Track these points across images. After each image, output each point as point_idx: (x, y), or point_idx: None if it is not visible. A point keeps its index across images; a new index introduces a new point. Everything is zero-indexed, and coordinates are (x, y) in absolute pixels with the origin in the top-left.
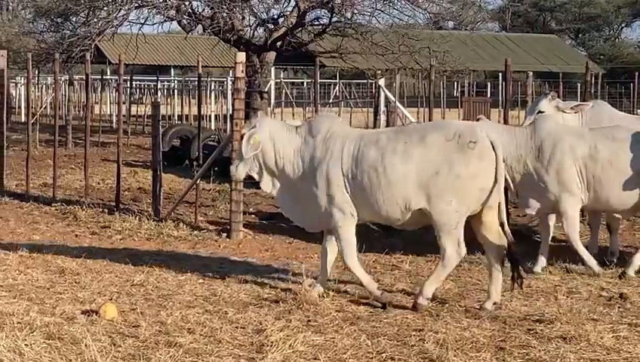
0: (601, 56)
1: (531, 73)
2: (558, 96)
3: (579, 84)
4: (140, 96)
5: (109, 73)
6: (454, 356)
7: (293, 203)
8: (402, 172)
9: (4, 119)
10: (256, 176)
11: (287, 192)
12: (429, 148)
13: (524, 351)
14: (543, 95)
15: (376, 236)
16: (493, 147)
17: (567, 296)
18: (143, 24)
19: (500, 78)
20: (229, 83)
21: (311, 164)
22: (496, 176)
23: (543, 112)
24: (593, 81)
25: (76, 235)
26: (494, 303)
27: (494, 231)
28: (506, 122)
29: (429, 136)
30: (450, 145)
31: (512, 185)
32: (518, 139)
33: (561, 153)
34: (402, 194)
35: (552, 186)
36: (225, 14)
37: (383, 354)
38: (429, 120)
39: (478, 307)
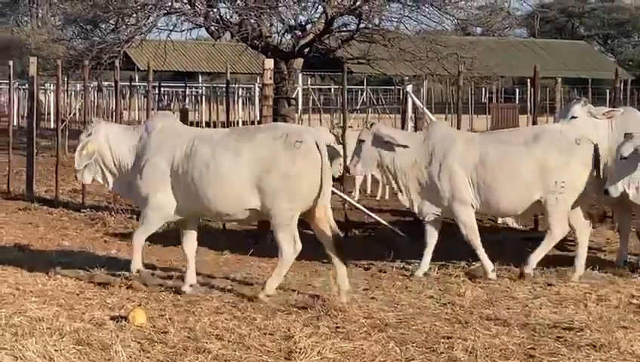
0: (630, 62)
1: (560, 79)
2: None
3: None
4: (168, 102)
5: (137, 80)
6: None
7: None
8: (231, 168)
9: (34, 126)
10: (100, 180)
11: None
12: (257, 145)
13: (554, 358)
14: (575, 100)
15: (404, 243)
16: (318, 148)
17: (597, 304)
18: (171, 31)
19: (529, 84)
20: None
21: (142, 157)
22: (322, 175)
23: (575, 117)
24: (622, 87)
25: (105, 241)
26: (347, 291)
27: (327, 226)
28: None
29: (259, 134)
30: (277, 144)
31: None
32: (412, 145)
33: (452, 158)
34: (235, 192)
35: (444, 191)
36: (253, 21)
37: (412, 361)
38: (457, 127)
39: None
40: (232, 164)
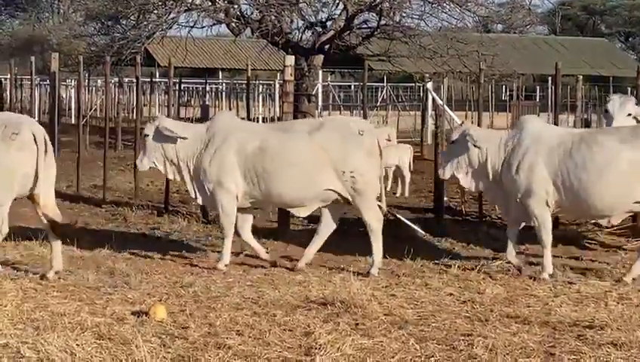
0: None
1: (581, 77)
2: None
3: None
4: (189, 98)
5: (158, 76)
6: (503, 361)
7: None
8: None
9: (56, 121)
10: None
11: None
12: None
13: (574, 357)
14: (624, 97)
15: (424, 241)
16: (35, 140)
17: (618, 302)
18: (192, 27)
19: (550, 81)
20: (277, 86)
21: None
22: (38, 165)
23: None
24: None
25: (125, 237)
26: (56, 272)
27: (49, 209)
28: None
29: None
30: None
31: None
32: (194, 136)
33: (228, 147)
34: None
35: (211, 177)
36: (273, 17)
37: (432, 359)
38: (478, 124)
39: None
40: None
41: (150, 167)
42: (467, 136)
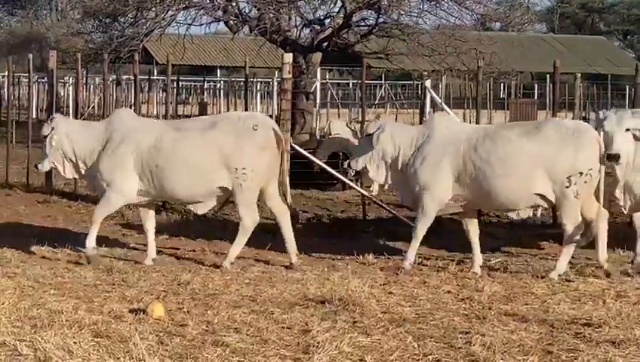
0: None
1: (579, 75)
2: (606, 98)
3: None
4: (187, 96)
5: (156, 73)
6: (501, 359)
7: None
8: None
9: None
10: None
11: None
12: None
13: (572, 354)
14: (620, 112)
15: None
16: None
17: (616, 300)
18: (190, 25)
19: (548, 79)
20: (275, 84)
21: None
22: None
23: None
24: None
25: (123, 234)
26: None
27: None
28: None
29: None
30: None
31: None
32: (94, 133)
33: (127, 144)
34: None
35: (107, 175)
36: (272, 15)
37: (430, 357)
38: (476, 122)
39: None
40: None
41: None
42: (382, 130)
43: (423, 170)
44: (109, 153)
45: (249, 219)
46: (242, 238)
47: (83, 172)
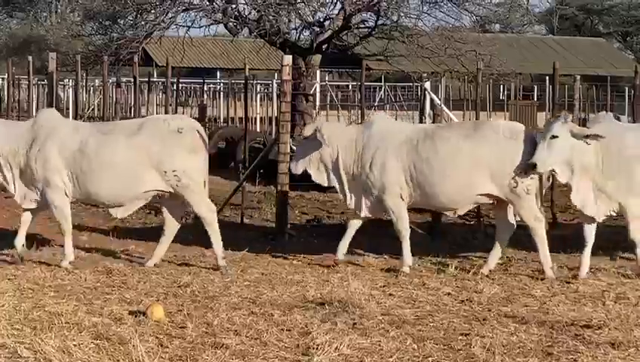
0: None
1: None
2: (606, 100)
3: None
4: (187, 98)
5: (155, 75)
6: (501, 360)
7: None
8: None
9: None
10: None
11: None
12: None
13: (572, 356)
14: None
15: (422, 239)
16: None
17: (616, 302)
18: (189, 27)
19: (547, 81)
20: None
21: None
22: None
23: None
24: None
25: (123, 236)
26: None
27: None
28: None
29: None
30: None
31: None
32: (17, 134)
33: (51, 144)
34: None
35: (38, 175)
36: (271, 17)
37: (429, 358)
38: None
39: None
40: None
41: None
42: (319, 132)
43: (372, 173)
44: (35, 152)
45: (208, 213)
46: (215, 234)
47: (7, 173)
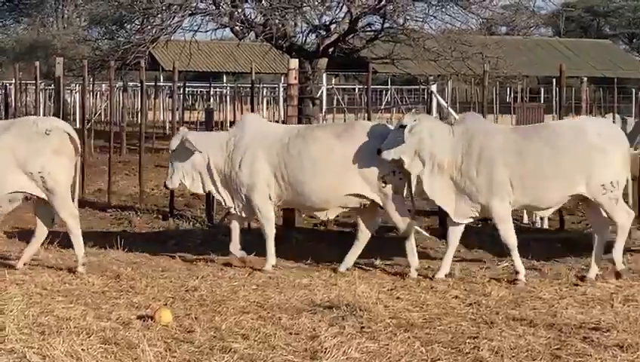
0: None
1: (585, 78)
2: (612, 102)
3: (633, 90)
4: (193, 102)
5: (162, 80)
6: None
7: None
8: None
9: None
10: None
11: None
12: None
13: (580, 359)
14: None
15: (429, 244)
16: None
17: (624, 304)
18: (196, 31)
19: (554, 83)
20: (281, 89)
21: None
22: None
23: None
24: None
25: (131, 241)
26: None
27: None
28: None
29: None
30: None
31: None
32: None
33: None
34: None
35: None
36: (277, 21)
37: None
38: None
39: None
40: None
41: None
42: (187, 142)
43: (242, 171)
44: None
45: (69, 219)
46: (76, 240)
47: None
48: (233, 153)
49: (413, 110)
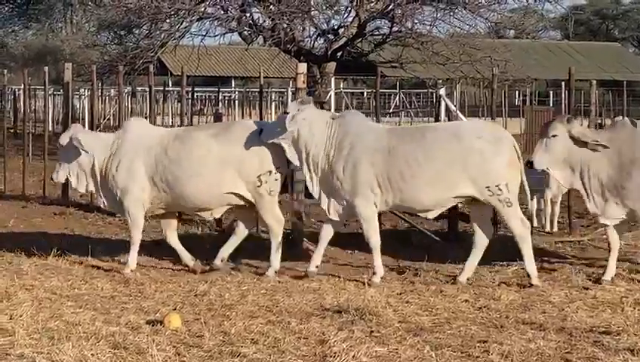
0: None
1: (594, 82)
2: (622, 105)
3: None
4: (202, 107)
5: (170, 85)
6: None
7: None
8: None
9: None
10: None
11: None
12: None
13: None
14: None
15: (438, 247)
16: None
17: (634, 308)
18: (204, 36)
19: (563, 86)
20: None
21: None
22: None
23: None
24: None
25: (139, 246)
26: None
27: None
28: None
29: None
30: None
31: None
32: None
33: None
34: None
35: None
36: (285, 25)
37: None
38: None
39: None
40: None
41: None
42: (75, 140)
43: (118, 174)
44: None
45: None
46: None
47: None
48: (114, 156)
49: (299, 99)
